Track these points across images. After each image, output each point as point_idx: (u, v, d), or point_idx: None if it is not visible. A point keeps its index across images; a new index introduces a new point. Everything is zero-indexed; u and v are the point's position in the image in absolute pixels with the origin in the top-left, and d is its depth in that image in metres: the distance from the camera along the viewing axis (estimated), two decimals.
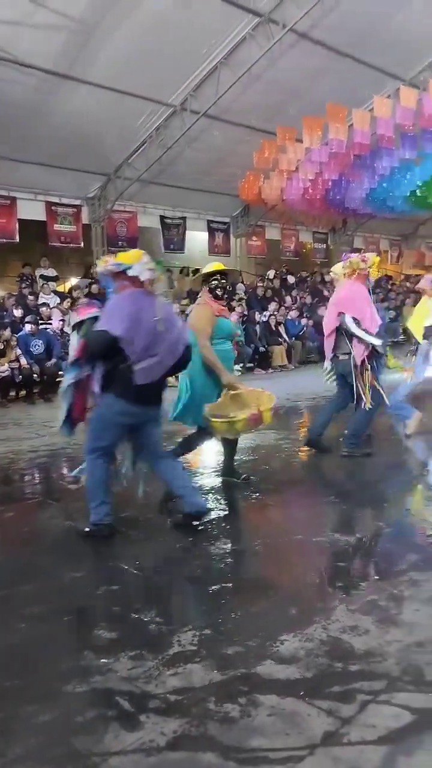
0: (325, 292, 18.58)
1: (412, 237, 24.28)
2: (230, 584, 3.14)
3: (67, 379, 3.86)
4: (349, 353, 5.40)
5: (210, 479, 5.11)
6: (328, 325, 5.57)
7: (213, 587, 3.09)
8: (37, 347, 10.51)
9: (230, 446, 4.87)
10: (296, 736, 1.99)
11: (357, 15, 11.36)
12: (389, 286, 20.11)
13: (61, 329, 11.26)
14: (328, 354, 5.68)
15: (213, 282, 4.52)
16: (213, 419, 4.22)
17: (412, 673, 2.30)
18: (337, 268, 5.71)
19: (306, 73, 12.51)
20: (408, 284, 20.29)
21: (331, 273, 5.99)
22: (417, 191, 15.00)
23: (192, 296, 15.18)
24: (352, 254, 5.74)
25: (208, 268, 4.64)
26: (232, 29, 11.16)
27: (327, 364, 5.77)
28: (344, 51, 12.33)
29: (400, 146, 12.30)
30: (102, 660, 2.47)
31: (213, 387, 4.42)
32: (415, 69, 13.43)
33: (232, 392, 4.42)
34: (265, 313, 14.75)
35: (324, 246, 21.56)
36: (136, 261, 3.57)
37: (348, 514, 4.21)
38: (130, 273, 3.56)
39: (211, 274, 4.55)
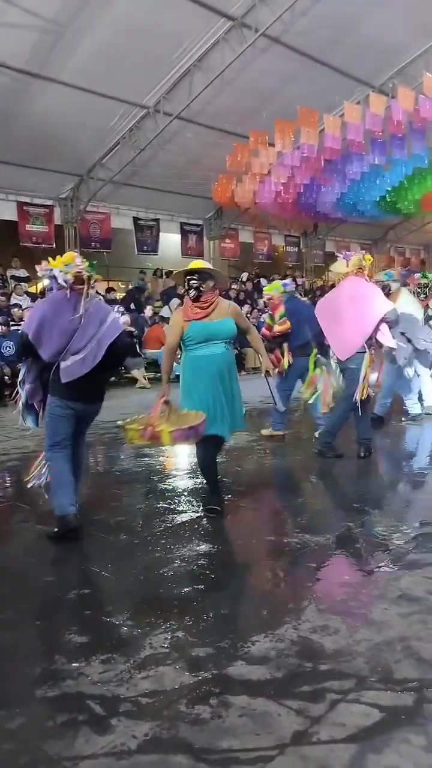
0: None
1: (382, 241, 24.65)
2: (202, 586, 3.15)
3: (20, 373, 4.10)
4: (363, 351, 5.39)
5: (183, 481, 5.12)
6: (362, 322, 5.34)
7: (185, 589, 3.10)
8: (8, 349, 10.37)
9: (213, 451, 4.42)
10: (266, 736, 2.01)
11: (327, 21, 11.48)
12: None
13: None
14: (349, 353, 5.43)
15: (186, 283, 4.25)
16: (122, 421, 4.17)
17: (381, 671, 2.34)
18: (341, 267, 5.62)
19: (278, 78, 12.60)
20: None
21: (331, 272, 6.01)
22: (386, 196, 15.25)
23: (166, 298, 15.18)
24: (350, 253, 5.71)
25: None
26: (205, 33, 11.18)
27: (336, 364, 5.71)
28: (315, 56, 12.45)
29: (369, 152, 12.46)
30: (73, 664, 2.46)
31: (187, 396, 4.19)
32: (384, 76, 13.61)
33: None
34: None
35: (296, 249, 21.72)
36: (62, 264, 3.78)
37: (318, 515, 4.26)
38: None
39: (186, 274, 4.21)
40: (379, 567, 3.26)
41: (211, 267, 4.35)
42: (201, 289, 4.13)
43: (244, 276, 18.48)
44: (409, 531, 3.75)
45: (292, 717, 2.11)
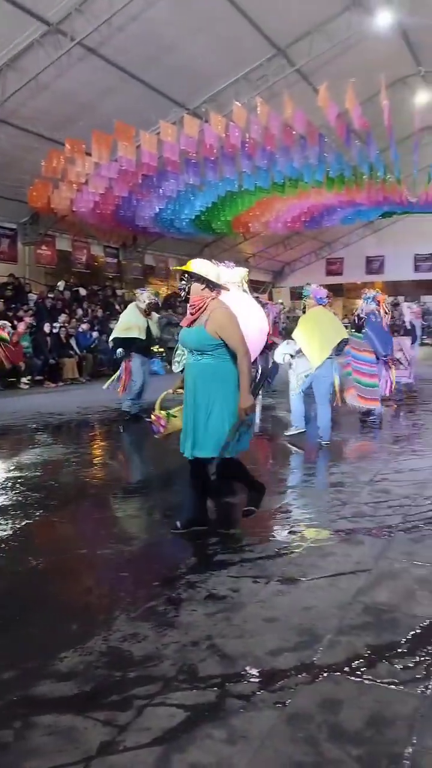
0: (117, 306, 18.77)
1: (198, 257, 25.61)
2: (9, 606, 3.02)
3: None
4: None
5: None
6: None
7: None
8: None
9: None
10: (72, 751, 1.99)
11: (144, 39, 11.77)
12: (177, 303, 20.96)
13: None
14: None
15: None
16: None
17: (187, 671, 2.43)
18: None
19: (95, 89, 12.63)
20: None
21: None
22: (201, 215, 15.93)
23: None
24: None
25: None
26: (19, 34, 10.85)
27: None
28: (132, 72, 12.68)
29: (185, 171, 12.92)
30: None
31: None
32: (198, 100, 14.26)
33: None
34: (55, 324, 14.44)
35: (115, 261, 21.77)
36: None
37: (134, 524, 4.30)
38: None
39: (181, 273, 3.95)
40: (188, 570, 3.38)
41: (204, 268, 3.81)
42: (187, 291, 3.86)
43: (61, 285, 18.08)
44: (215, 533, 3.93)
45: (98, 728, 2.10)
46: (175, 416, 4.36)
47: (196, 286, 3.77)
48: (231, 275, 5.23)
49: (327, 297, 6.95)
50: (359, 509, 4.38)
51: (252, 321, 4.45)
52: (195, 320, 3.80)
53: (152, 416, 4.38)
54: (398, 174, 15.35)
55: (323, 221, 19.91)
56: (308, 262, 31.74)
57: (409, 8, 12.82)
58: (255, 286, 31.38)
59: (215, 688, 2.32)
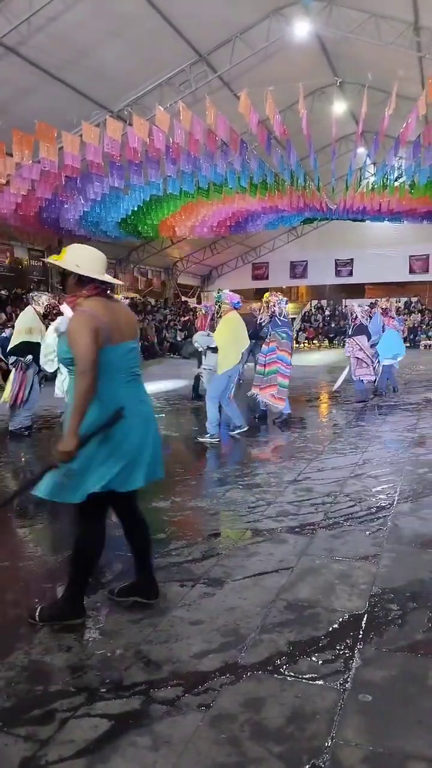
0: None
1: (126, 261, 25.49)
2: None
3: None
4: None
5: None
6: None
7: None
8: None
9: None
10: None
11: (65, 41, 11.61)
12: None
13: None
14: None
15: None
16: None
17: (112, 681, 2.41)
18: None
19: (15, 88, 12.34)
20: None
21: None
22: (127, 219, 15.81)
23: None
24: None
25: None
26: None
27: None
28: (53, 73, 12.47)
29: (109, 174, 12.79)
30: None
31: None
32: (121, 103, 14.19)
33: None
34: None
35: (41, 264, 21.31)
36: None
37: (57, 534, 4.21)
38: None
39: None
40: (115, 577, 3.34)
41: (68, 259, 2.74)
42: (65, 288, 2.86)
43: None
44: None
45: (20, 744, 2.06)
46: None
47: (70, 282, 2.78)
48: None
49: (241, 301, 7.39)
50: (283, 508, 4.47)
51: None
52: None
53: None
54: (318, 181, 15.77)
55: (248, 226, 20.18)
56: (235, 266, 32.13)
57: (325, 19, 13.21)
58: (184, 290, 31.50)
59: (140, 696, 2.32)
